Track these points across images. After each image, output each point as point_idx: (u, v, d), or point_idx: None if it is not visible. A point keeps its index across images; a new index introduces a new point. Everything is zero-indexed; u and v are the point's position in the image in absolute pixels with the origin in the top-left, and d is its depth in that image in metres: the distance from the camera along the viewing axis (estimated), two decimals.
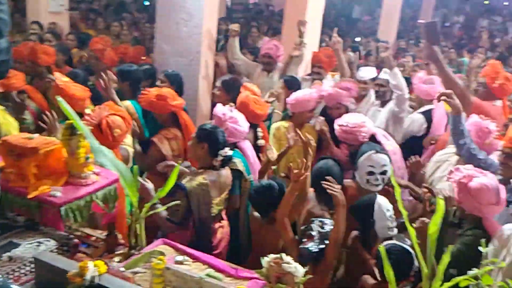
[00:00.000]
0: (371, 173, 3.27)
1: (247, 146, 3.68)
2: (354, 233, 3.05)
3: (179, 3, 4.62)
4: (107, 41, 4.93)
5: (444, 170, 3.47)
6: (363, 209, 3.00)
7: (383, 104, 4.63)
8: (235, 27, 5.34)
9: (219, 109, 3.56)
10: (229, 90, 4.22)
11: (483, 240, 1.93)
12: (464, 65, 7.78)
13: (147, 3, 12.37)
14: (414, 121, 4.48)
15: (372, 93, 4.88)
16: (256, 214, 3.15)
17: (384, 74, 4.55)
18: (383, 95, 4.59)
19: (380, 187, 3.28)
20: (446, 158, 3.55)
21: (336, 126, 3.76)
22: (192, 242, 2.69)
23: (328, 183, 2.81)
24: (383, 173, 3.25)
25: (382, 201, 2.95)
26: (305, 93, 4.03)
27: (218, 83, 4.40)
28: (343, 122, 3.71)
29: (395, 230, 2.93)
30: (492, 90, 4.07)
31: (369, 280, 2.59)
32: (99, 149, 2.59)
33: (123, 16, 9.48)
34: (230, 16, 11.05)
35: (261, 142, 3.94)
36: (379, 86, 4.62)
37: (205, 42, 4.75)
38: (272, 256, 2.14)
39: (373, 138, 3.68)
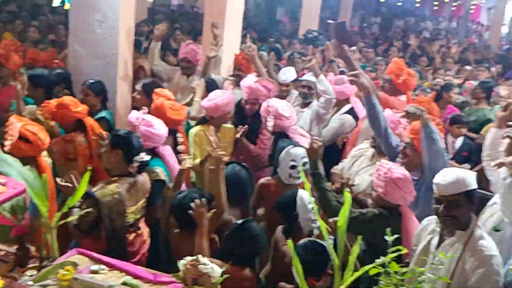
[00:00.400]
0: (293, 166, 3.40)
1: (167, 151, 3.59)
2: (279, 228, 3.11)
3: (92, 4, 4.46)
4: (11, 45, 4.63)
5: (360, 164, 3.64)
6: (286, 204, 3.10)
7: (304, 105, 4.72)
8: (161, 27, 5.11)
9: (133, 114, 3.47)
10: (150, 94, 4.12)
11: (388, 229, 2.02)
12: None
13: (56, 4, 11.87)
14: (345, 121, 4.65)
15: (293, 94, 4.97)
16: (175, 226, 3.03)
17: (310, 76, 4.64)
18: (310, 96, 4.67)
19: (301, 179, 3.36)
20: (361, 153, 3.72)
21: (265, 103, 3.90)
22: (106, 251, 2.60)
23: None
24: (304, 164, 3.38)
25: (304, 195, 3.05)
26: (223, 97, 3.96)
27: (138, 87, 4.29)
28: (272, 104, 3.85)
29: (318, 223, 3.01)
30: (397, 86, 4.34)
31: (286, 286, 2.61)
32: (2, 158, 2.45)
33: (38, 18, 9.04)
34: (152, 18, 10.86)
35: (181, 147, 3.86)
36: (307, 88, 4.68)
37: (123, 44, 4.61)
38: (188, 258, 2.12)
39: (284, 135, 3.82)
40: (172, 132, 3.77)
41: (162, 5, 13.90)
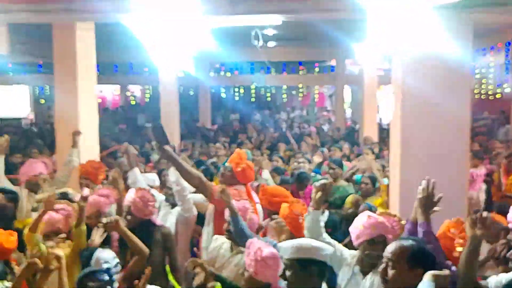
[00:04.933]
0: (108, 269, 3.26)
1: None
2: None
3: None
4: None
5: (222, 258, 3.63)
6: None
7: (173, 206, 4.62)
8: (1, 141, 4.80)
9: None
10: None
11: None
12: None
13: None
14: None
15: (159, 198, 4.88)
16: None
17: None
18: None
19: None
20: (220, 246, 3.71)
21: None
22: None
23: None
24: (116, 265, 3.35)
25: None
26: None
27: None
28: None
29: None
30: (236, 175, 4.37)
31: None
32: None
33: None
34: None
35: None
36: (167, 189, 4.65)
37: None
38: None
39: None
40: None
41: (9, 125, 13.15)
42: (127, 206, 3.97)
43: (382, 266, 2.32)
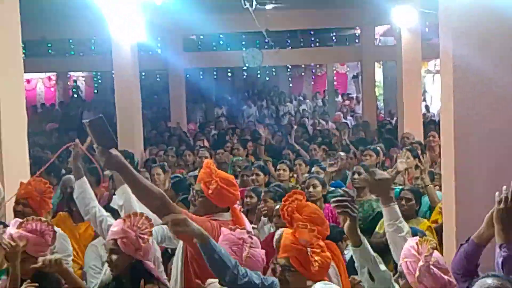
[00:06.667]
0: None
1: None
2: None
3: None
4: None
5: None
6: None
7: None
8: None
9: None
10: None
11: None
12: None
13: None
14: None
15: None
16: None
17: None
18: None
19: None
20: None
21: None
22: None
23: None
24: None
25: None
26: None
27: None
28: None
29: None
30: (210, 199, 4.06)
31: None
32: None
33: None
34: None
35: None
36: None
37: None
38: None
39: None
40: None
41: None
42: (111, 242, 3.73)
43: None
